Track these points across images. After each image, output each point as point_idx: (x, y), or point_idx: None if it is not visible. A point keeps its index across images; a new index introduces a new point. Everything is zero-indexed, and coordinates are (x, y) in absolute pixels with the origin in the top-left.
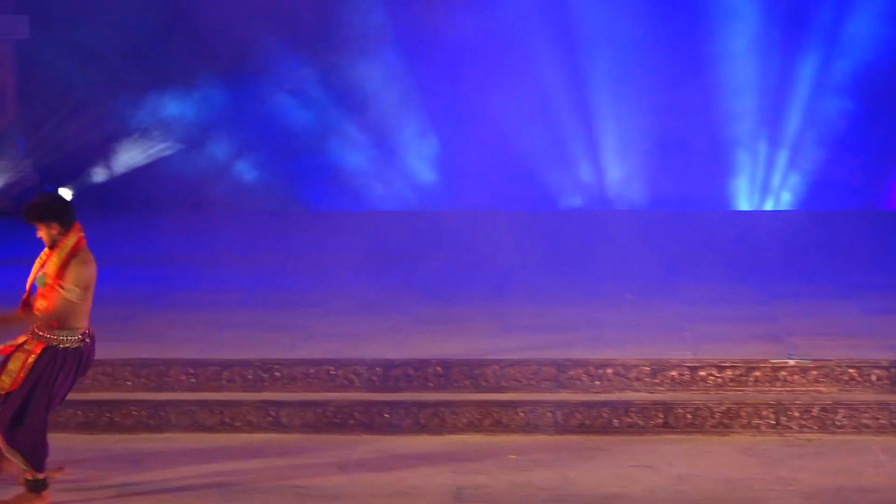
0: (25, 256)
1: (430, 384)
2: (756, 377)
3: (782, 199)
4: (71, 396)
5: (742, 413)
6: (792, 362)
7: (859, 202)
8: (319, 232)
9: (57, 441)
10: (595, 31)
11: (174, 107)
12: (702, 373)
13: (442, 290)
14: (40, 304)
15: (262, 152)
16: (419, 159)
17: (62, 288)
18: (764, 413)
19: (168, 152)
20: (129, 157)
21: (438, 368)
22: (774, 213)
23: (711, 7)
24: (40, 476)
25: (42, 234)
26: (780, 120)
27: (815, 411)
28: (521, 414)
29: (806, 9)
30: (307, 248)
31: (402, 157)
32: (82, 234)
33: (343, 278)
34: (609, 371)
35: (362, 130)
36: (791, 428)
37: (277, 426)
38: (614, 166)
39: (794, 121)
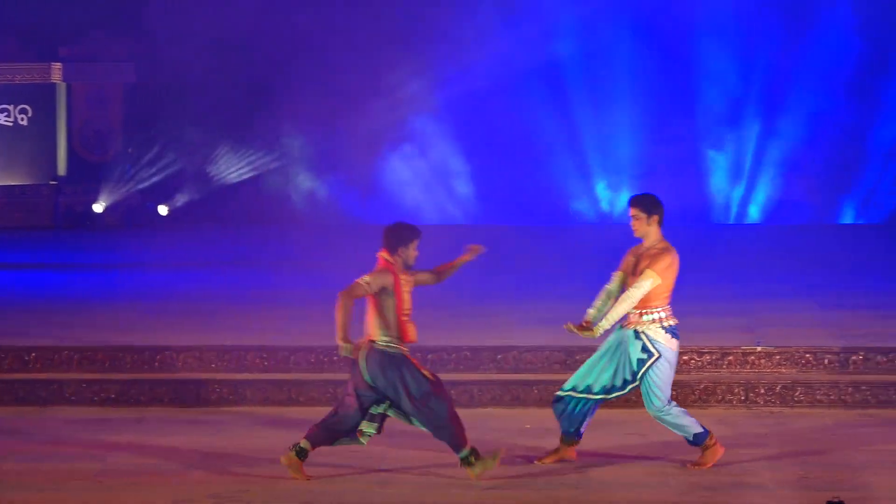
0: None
1: (462, 366)
2: (729, 361)
3: (751, 213)
4: (165, 376)
5: (717, 390)
6: (759, 349)
7: (816, 217)
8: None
9: (154, 413)
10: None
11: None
12: (685, 357)
13: (472, 289)
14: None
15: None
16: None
17: None
18: (736, 390)
19: (246, 176)
20: (213, 179)
21: (468, 353)
22: (748, 225)
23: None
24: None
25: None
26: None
27: (778, 389)
28: (535, 391)
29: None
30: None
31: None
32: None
33: None
34: None
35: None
36: (758, 403)
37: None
38: (616, 185)
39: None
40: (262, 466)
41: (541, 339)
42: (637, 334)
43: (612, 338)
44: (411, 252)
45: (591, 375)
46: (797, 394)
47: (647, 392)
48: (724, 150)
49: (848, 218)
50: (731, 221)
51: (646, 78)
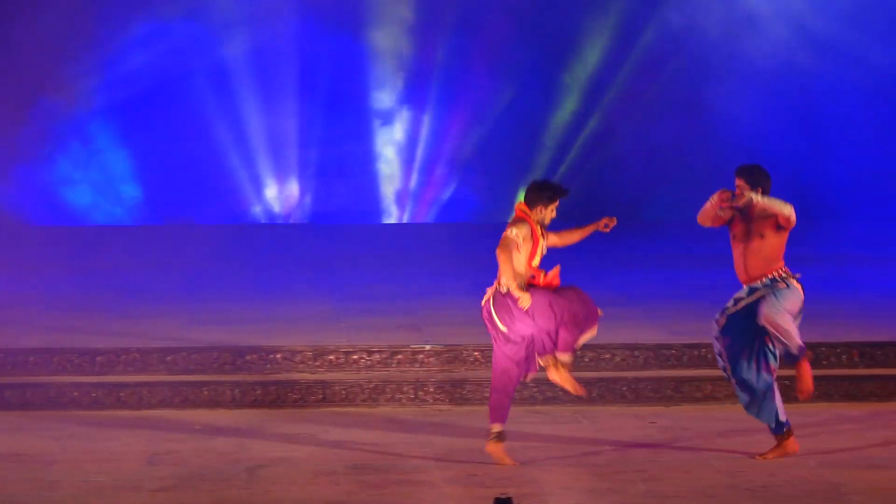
0: None
1: (131, 368)
2: (399, 359)
3: (423, 212)
4: None
5: (387, 389)
6: (428, 347)
7: (491, 214)
8: (38, 244)
9: None
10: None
11: None
12: (354, 356)
13: (138, 290)
14: None
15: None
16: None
17: None
18: (405, 389)
19: None
20: None
21: (137, 355)
22: (418, 224)
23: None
24: None
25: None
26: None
27: (447, 387)
28: (206, 392)
29: None
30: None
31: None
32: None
33: (54, 282)
34: (278, 356)
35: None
36: (427, 401)
37: (2, 405)
38: (288, 187)
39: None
40: None
41: (210, 339)
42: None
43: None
44: (549, 213)
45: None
46: (466, 391)
47: (773, 304)
48: (394, 148)
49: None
50: (404, 221)
51: (315, 77)
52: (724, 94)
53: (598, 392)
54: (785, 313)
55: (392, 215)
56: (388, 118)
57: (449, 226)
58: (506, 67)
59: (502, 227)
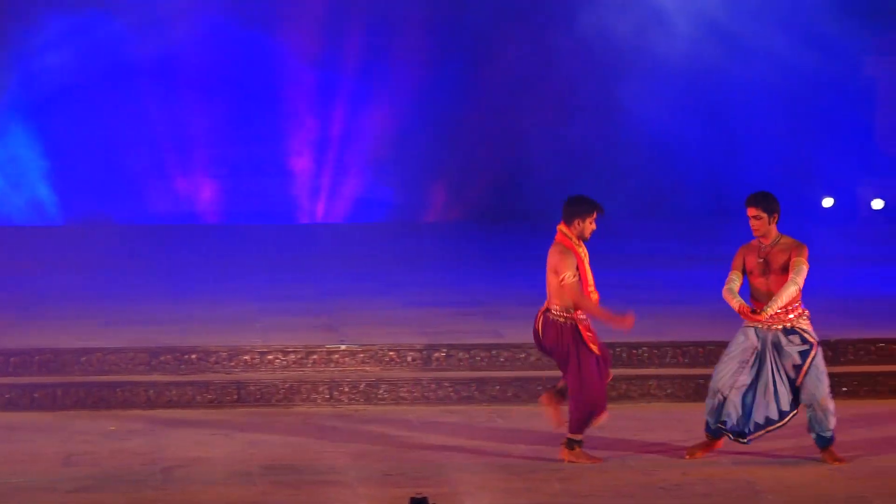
0: None
1: (45, 369)
2: (314, 360)
3: (334, 212)
4: None
5: (302, 389)
6: (343, 347)
7: (399, 216)
8: None
9: None
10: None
11: None
12: (269, 356)
13: (51, 291)
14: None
15: None
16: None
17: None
18: (320, 389)
19: None
20: None
21: (51, 356)
22: (331, 224)
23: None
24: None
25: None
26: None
27: (362, 387)
28: (120, 392)
29: None
30: None
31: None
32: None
33: None
34: (193, 356)
35: None
36: (342, 401)
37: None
38: (203, 187)
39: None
40: None
41: (124, 340)
42: (789, 330)
43: (749, 346)
44: (588, 225)
45: (763, 405)
46: (381, 391)
47: (817, 379)
48: (309, 147)
49: (433, 216)
50: (316, 220)
51: (229, 74)
52: (634, 92)
53: (513, 391)
54: (829, 392)
55: (307, 214)
56: (302, 116)
57: (363, 225)
58: (420, 66)
59: (416, 226)
